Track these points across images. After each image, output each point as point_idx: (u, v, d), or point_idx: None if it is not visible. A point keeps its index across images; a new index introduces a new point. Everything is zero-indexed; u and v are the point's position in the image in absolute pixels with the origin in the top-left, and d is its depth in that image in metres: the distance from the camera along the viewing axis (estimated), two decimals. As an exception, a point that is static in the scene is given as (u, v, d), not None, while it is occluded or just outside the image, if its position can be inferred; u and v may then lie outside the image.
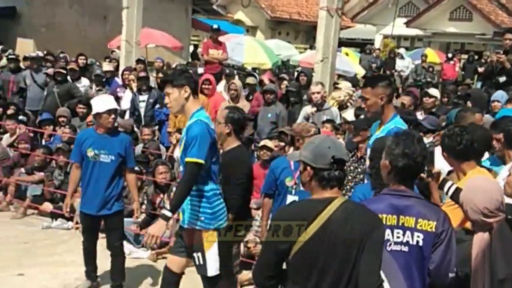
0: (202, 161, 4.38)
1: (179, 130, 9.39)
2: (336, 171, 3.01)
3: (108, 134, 5.74)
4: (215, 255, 4.62)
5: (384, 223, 3.10)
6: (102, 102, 5.76)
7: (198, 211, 4.56)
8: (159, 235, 4.39)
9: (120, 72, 11.60)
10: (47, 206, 8.33)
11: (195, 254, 4.63)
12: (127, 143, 5.84)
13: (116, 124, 6.12)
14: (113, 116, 5.72)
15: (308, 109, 8.68)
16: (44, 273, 6.36)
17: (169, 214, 4.33)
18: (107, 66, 12.22)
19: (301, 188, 4.97)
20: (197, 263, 4.64)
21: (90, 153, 5.69)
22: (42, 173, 8.76)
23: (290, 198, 5.20)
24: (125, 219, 6.23)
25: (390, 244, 3.18)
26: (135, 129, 9.78)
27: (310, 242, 2.88)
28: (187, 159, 4.39)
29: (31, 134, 9.99)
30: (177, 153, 5.98)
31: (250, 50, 16.62)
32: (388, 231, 3.15)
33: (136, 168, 6.98)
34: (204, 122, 4.50)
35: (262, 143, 7.87)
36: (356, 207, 3.02)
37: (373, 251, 2.88)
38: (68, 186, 6.16)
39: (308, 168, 3.04)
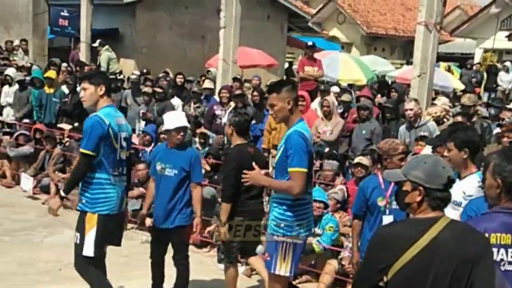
0: (89, 152, 4.92)
1: (274, 146, 9.49)
2: (448, 191, 2.97)
3: (176, 149, 5.89)
4: (92, 237, 5.03)
5: (497, 242, 3.02)
6: (172, 119, 5.92)
7: (82, 195, 5.10)
8: (54, 208, 5.08)
9: (217, 90, 11.86)
10: (146, 221, 8.56)
11: (75, 233, 5.14)
12: (192, 158, 5.93)
13: (185, 140, 6.21)
14: (181, 133, 5.87)
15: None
16: (142, 286, 6.52)
17: (62, 193, 5.15)
18: (207, 84, 12.51)
19: (394, 207, 4.92)
20: (75, 241, 5.13)
21: (158, 166, 5.89)
22: (141, 188, 9.02)
23: (386, 219, 5.11)
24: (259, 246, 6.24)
25: (504, 264, 3.09)
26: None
27: (414, 261, 2.82)
28: (80, 150, 5.04)
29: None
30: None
31: (345, 66, 16.55)
32: (502, 251, 3.07)
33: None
34: (99, 117, 5.00)
35: (356, 160, 7.79)
36: (464, 227, 2.96)
37: (488, 271, 2.81)
38: (145, 199, 6.40)
39: (420, 188, 2.99)
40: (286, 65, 23.27)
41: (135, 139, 10.18)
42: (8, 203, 9.63)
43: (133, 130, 11.49)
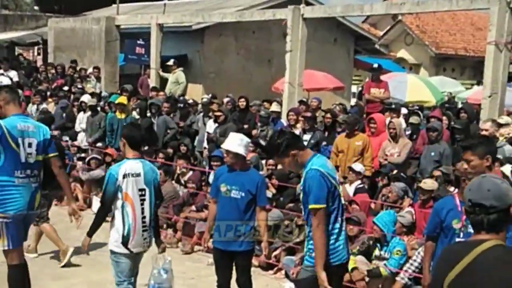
0: None
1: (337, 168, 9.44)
2: None
3: (241, 171, 5.89)
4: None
5: None
6: (228, 140, 5.95)
7: None
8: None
9: (284, 113, 11.92)
10: (208, 243, 8.62)
11: None
12: (259, 181, 5.94)
13: (253, 163, 6.27)
14: (230, 155, 5.86)
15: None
16: (209, 308, 6.58)
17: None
18: (274, 107, 12.59)
19: (469, 230, 4.77)
20: None
21: (223, 188, 5.87)
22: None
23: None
24: (286, 257, 6.29)
25: None
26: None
27: (457, 279, 2.78)
28: None
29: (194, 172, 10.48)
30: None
31: (413, 88, 16.31)
32: None
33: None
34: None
35: (420, 183, 7.68)
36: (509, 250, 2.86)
37: None
38: (208, 221, 6.40)
39: None
40: (354, 88, 23.15)
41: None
42: (80, 225, 9.86)
43: (201, 153, 11.71)
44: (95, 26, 17.13)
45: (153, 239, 5.70)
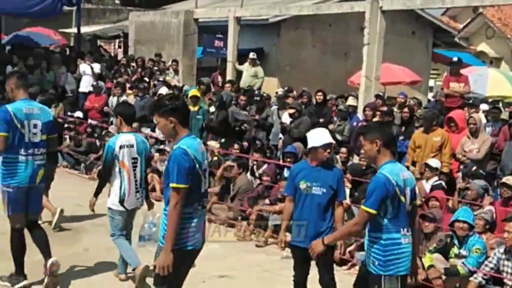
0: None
1: (413, 163, 9.35)
2: None
3: (321, 167, 5.82)
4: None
5: None
6: (318, 136, 5.88)
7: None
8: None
9: (361, 107, 11.83)
10: (288, 237, 8.65)
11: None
12: (339, 176, 5.87)
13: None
14: (328, 150, 5.82)
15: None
16: (282, 301, 6.61)
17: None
18: (351, 101, 12.48)
19: None
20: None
21: (303, 185, 5.79)
22: (283, 204, 9.13)
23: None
24: (360, 253, 6.22)
25: None
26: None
27: None
28: None
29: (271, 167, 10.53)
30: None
31: (494, 82, 15.84)
32: None
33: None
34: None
35: (503, 179, 7.45)
36: None
37: None
38: (282, 220, 6.31)
39: None
40: (431, 82, 22.67)
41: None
42: (156, 214, 10.10)
43: (275, 146, 11.76)
44: (174, 19, 17.43)
45: (144, 199, 6.85)
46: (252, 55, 15.36)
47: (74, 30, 21.79)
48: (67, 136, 14.22)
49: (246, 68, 15.37)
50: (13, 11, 17.54)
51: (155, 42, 17.89)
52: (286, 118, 11.60)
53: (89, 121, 14.76)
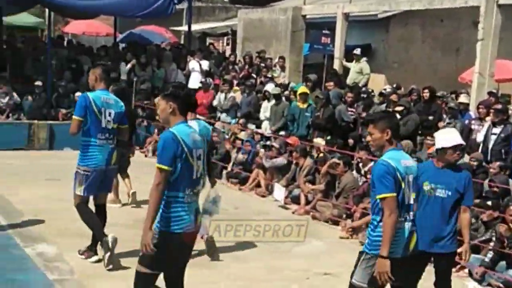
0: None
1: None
2: None
3: (448, 169, 5.54)
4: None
5: None
6: (448, 137, 5.61)
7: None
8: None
9: (473, 105, 11.40)
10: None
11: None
12: (466, 179, 5.56)
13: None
14: (458, 152, 5.54)
15: None
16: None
17: None
18: (463, 99, 12.07)
19: None
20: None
21: (426, 187, 5.52)
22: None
23: None
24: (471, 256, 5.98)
25: None
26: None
27: None
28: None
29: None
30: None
31: None
32: None
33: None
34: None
35: None
36: None
37: None
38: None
39: None
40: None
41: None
42: (262, 211, 10.20)
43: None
44: (282, 16, 17.48)
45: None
46: (356, 51, 15.15)
47: (184, 28, 22.36)
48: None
49: (352, 65, 15.19)
50: (128, 13, 18.24)
51: (262, 39, 18.02)
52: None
53: (197, 117, 15.04)
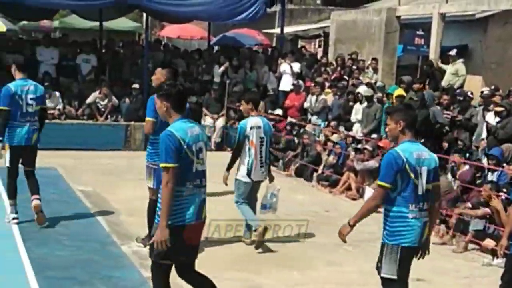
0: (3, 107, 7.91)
1: None
2: None
3: None
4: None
5: None
6: None
7: None
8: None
9: None
10: (489, 243, 8.21)
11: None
12: None
13: None
14: None
15: None
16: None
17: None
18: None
19: None
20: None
21: None
22: (487, 209, 8.65)
23: None
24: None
25: None
26: None
27: None
28: None
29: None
30: None
31: None
32: None
33: None
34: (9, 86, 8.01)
35: None
36: None
37: None
38: (505, 227, 5.97)
39: None
40: None
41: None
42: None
43: (477, 147, 11.18)
44: (376, 17, 17.25)
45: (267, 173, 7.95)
46: (452, 52, 14.73)
47: (276, 30, 22.50)
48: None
49: (448, 66, 14.79)
50: (221, 19, 18.59)
51: (355, 40, 17.86)
52: (491, 118, 11.00)
53: (289, 119, 15.13)
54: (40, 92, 8.09)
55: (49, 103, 13.90)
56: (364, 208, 5.02)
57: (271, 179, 8.02)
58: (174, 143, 4.68)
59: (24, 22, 28.36)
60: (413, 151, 4.87)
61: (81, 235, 7.78)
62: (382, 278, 5.05)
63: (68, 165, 12.24)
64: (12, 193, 8.13)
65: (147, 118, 7.06)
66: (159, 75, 7.21)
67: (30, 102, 7.97)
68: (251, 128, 7.69)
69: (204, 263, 6.77)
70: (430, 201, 4.96)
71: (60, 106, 15.03)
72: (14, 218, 8.09)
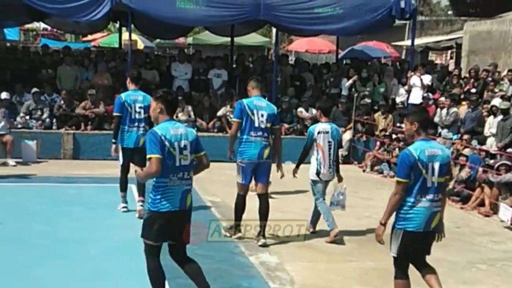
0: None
1: None
2: None
3: None
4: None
5: None
6: None
7: None
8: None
9: None
10: None
11: None
12: None
13: None
14: None
15: None
16: None
17: None
18: None
19: None
20: None
21: None
22: None
23: None
24: None
25: None
26: None
27: None
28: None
29: None
30: None
31: None
32: None
33: None
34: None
35: None
36: None
37: None
38: None
39: None
40: None
41: None
42: (487, 232, 9.70)
43: None
44: None
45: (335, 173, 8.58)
46: None
47: (406, 42, 22.12)
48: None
49: None
50: (348, 33, 18.65)
51: (490, 51, 17.23)
52: None
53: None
54: (147, 102, 8.68)
55: (181, 116, 14.47)
56: (390, 205, 5.47)
57: (340, 179, 8.67)
58: (155, 138, 5.28)
59: (159, 39, 29.73)
60: (425, 148, 5.42)
61: (211, 244, 7.98)
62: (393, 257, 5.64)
63: (198, 176, 12.58)
64: (123, 186, 9.36)
65: (234, 119, 8.25)
66: (249, 87, 8.29)
67: (138, 110, 9.02)
68: (318, 132, 8.39)
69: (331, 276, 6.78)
70: (442, 192, 5.52)
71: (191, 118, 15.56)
72: (123, 207, 9.39)
